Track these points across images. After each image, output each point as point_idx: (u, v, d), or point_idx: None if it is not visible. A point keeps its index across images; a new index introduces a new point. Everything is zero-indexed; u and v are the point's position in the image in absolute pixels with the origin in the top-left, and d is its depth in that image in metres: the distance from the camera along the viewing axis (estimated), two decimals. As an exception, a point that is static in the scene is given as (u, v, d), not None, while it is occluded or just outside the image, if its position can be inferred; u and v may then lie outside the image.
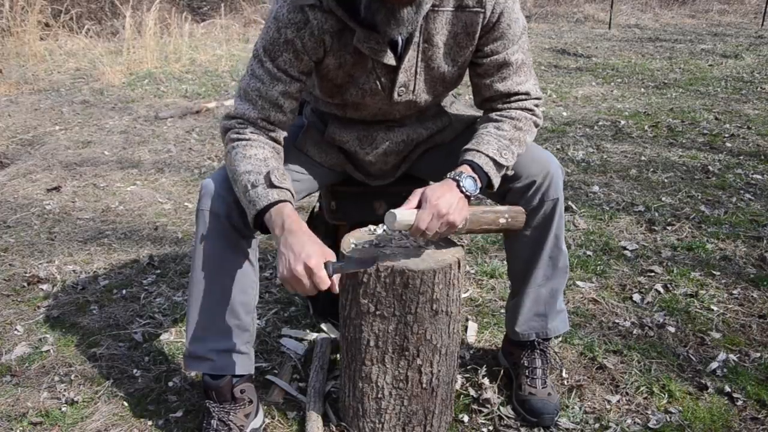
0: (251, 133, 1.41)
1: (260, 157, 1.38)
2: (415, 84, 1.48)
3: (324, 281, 1.24)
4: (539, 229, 1.55)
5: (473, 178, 1.39)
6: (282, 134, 1.46)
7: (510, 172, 1.49)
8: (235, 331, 1.50)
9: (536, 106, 1.53)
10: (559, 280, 1.64)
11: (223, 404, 1.49)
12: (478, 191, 1.40)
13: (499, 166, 1.43)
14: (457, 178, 1.38)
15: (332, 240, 1.93)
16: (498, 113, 1.52)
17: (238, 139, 1.41)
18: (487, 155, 1.42)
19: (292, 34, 1.36)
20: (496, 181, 1.45)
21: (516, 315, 1.66)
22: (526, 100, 1.51)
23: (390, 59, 1.40)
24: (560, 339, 1.95)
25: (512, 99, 1.51)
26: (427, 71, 1.47)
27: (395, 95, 1.48)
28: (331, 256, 1.28)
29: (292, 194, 1.38)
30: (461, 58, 1.47)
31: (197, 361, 1.50)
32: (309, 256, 1.24)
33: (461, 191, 1.37)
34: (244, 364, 1.53)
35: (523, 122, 1.50)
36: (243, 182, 1.35)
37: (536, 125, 1.53)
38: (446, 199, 1.33)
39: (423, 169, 1.72)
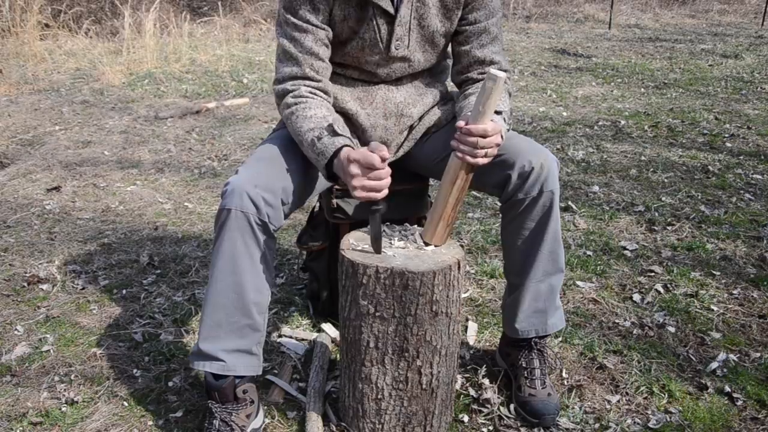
0: (307, 92, 1.54)
1: (320, 115, 1.50)
2: (409, 39, 1.61)
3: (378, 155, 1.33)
4: (539, 222, 1.56)
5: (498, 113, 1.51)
6: (328, 84, 1.60)
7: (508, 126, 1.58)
8: (247, 330, 1.50)
9: (507, 77, 1.65)
10: (557, 277, 1.64)
11: (225, 405, 1.50)
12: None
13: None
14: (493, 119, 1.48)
15: (332, 240, 1.93)
16: (471, 87, 1.66)
17: (297, 103, 1.53)
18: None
19: None
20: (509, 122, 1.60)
21: (515, 311, 1.66)
22: (497, 68, 1.64)
23: (388, 5, 1.54)
24: (560, 339, 1.95)
25: (485, 68, 1.66)
26: (420, 29, 1.61)
27: (392, 47, 1.60)
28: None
29: (352, 141, 1.49)
30: (449, 20, 1.62)
31: (205, 360, 1.50)
32: (352, 160, 1.35)
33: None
34: (252, 364, 1.54)
35: None
36: (309, 138, 1.47)
37: (508, 93, 1.65)
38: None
39: (426, 151, 1.73)
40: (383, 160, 1.34)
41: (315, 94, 1.55)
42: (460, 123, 1.40)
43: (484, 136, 1.38)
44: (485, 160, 1.42)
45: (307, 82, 1.55)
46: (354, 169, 1.35)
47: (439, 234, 1.49)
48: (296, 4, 1.51)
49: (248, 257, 1.45)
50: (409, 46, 1.61)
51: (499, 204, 1.64)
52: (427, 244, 1.50)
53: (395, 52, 1.60)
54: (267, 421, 1.61)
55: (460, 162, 1.43)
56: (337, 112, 1.67)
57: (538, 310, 1.65)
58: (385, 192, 1.37)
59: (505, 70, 1.63)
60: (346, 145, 1.43)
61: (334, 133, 1.45)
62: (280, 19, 1.56)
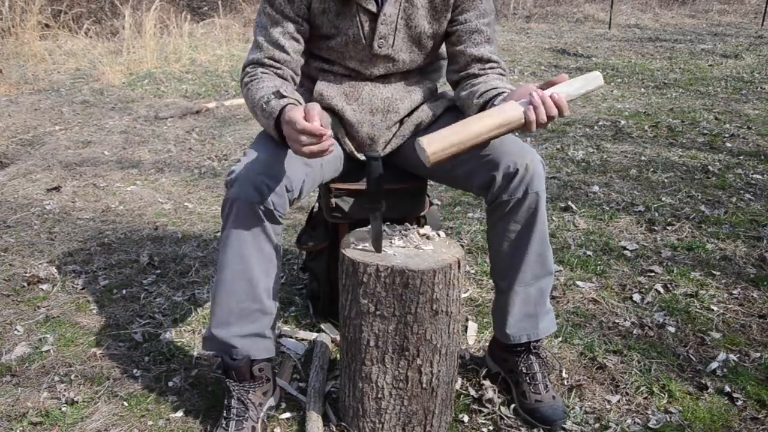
0: (261, 72, 1.57)
1: (270, 85, 1.51)
2: (394, 39, 1.61)
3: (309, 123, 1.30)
4: (525, 224, 1.55)
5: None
6: (288, 72, 1.60)
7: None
8: (258, 315, 1.52)
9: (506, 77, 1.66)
10: (546, 280, 1.63)
11: (242, 383, 1.53)
12: None
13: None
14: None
15: (332, 239, 1.93)
16: (474, 80, 1.62)
17: (251, 81, 1.55)
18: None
19: None
20: None
21: (505, 316, 1.64)
22: (497, 68, 1.64)
23: (370, 3, 1.55)
24: (560, 339, 1.95)
25: (486, 66, 1.63)
26: (407, 29, 1.61)
27: (375, 46, 1.60)
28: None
29: (299, 102, 1.49)
30: (438, 22, 1.62)
31: (218, 344, 1.53)
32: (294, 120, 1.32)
33: None
34: (266, 347, 1.57)
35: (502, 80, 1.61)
36: (260, 104, 1.48)
37: None
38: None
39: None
40: (307, 117, 1.31)
41: (266, 73, 1.57)
42: (563, 76, 1.37)
43: (560, 111, 1.34)
44: (534, 127, 1.33)
45: (264, 69, 1.58)
46: (288, 129, 1.35)
47: (441, 151, 1.31)
48: None
49: (255, 244, 1.47)
50: (394, 46, 1.61)
51: (485, 206, 1.61)
52: (424, 158, 1.33)
53: (378, 50, 1.61)
54: (282, 404, 1.63)
55: (515, 113, 1.33)
56: (323, 108, 1.66)
57: (528, 314, 1.63)
58: (329, 148, 1.32)
59: (503, 72, 1.63)
60: (290, 104, 1.43)
61: (280, 96, 1.46)
62: (260, 8, 1.60)
